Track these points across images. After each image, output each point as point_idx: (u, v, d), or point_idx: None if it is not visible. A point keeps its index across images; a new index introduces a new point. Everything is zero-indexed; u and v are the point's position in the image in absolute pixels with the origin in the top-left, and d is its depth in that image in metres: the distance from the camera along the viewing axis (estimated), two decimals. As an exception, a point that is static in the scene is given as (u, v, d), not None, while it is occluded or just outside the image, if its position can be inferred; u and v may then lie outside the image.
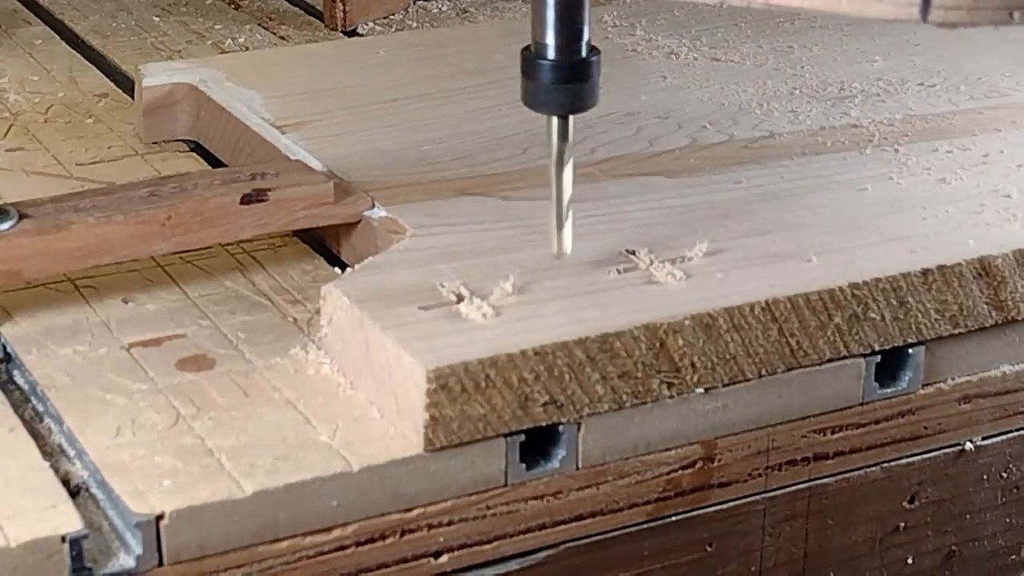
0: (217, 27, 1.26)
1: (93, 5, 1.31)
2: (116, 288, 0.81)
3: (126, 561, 0.64)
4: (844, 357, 0.76)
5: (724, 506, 0.76)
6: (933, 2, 0.59)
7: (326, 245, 0.87)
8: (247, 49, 1.20)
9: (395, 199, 0.84)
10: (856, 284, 0.75)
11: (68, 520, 0.63)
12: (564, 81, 0.72)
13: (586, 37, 0.72)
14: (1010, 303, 0.79)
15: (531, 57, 0.72)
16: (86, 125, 1.04)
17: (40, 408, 0.72)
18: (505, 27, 1.18)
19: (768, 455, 0.76)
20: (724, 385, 0.74)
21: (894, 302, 0.76)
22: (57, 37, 1.23)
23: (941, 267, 0.77)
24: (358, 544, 0.68)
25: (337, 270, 0.82)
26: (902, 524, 0.82)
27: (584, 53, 0.72)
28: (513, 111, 0.97)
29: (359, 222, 0.84)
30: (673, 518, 0.75)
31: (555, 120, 0.73)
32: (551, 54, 0.71)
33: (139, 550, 0.64)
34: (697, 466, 0.75)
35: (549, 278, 0.75)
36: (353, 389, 0.72)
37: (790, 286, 0.74)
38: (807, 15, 0.61)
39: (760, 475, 0.76)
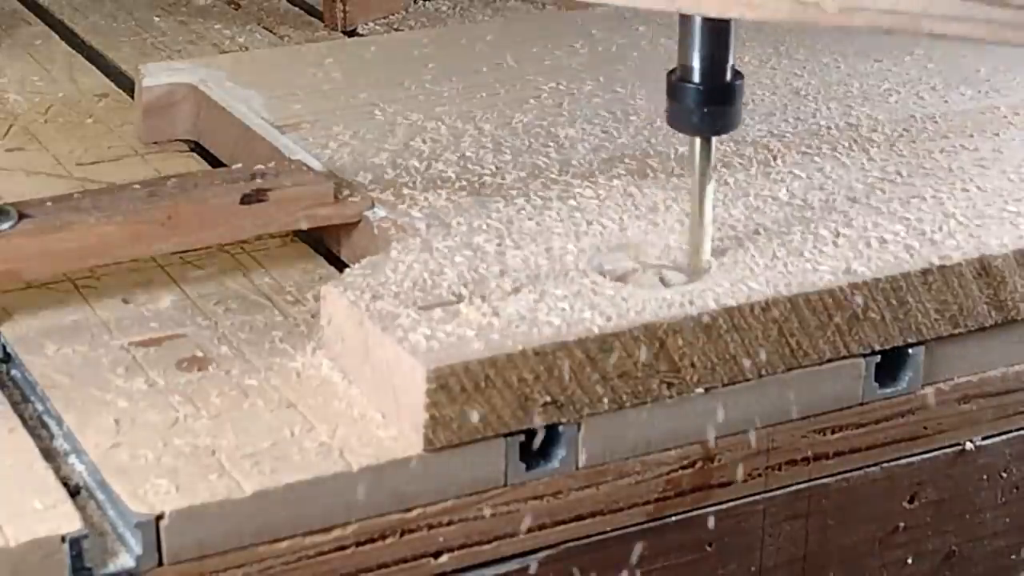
0: (217, 27, 1.26)
1: (93, 5, 1.31)
2: (116, 288, 0.81)
3: (126, 561, 0.64)
4: (844, 357, 0.76)
5: (724, 506, 0.76)
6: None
7: (326, 245, 0.87)
8: (247, 49, 1.20)
9: (395, 199, 0.84)
10: (856, 284, 0.75)
11: (68, 520, 0.63)
12: (709, 104, 0.73)
13: (731, 61, 0.73)
14: (1010, 303, 0.79)
15: (677, 80, 0.73)
16: (86, 125, 1.04)
17: (40, 408, 0.72)
18: (506, 26, 1.18)
19: (768, 455, 0.76)
20: (724, 385, 0.74)
21: (894, 302, 0.76)
22: (57, 37, 1.23)
23: (941, 267, 0.77)
24: (358, 544, 0.68)
25: (337, 270, 0.82)
26: (902, 524, 0.81)
27: (729, 77, 0.73)
28: (513, 111, 0.97)
29: (359, 222, 0.84)
30: (673, 518, 0.75)
31: (698, 141, 0.74)
32: (696, 78, 0.73)
33: (139, 550, 0.64)
34: (697, 466, 0.74)
35: (549, 278, 0.75)
36: (353, 389, 0.72)
37: (790, 286, 0.74)
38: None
39: (760, 475, 0.76)
